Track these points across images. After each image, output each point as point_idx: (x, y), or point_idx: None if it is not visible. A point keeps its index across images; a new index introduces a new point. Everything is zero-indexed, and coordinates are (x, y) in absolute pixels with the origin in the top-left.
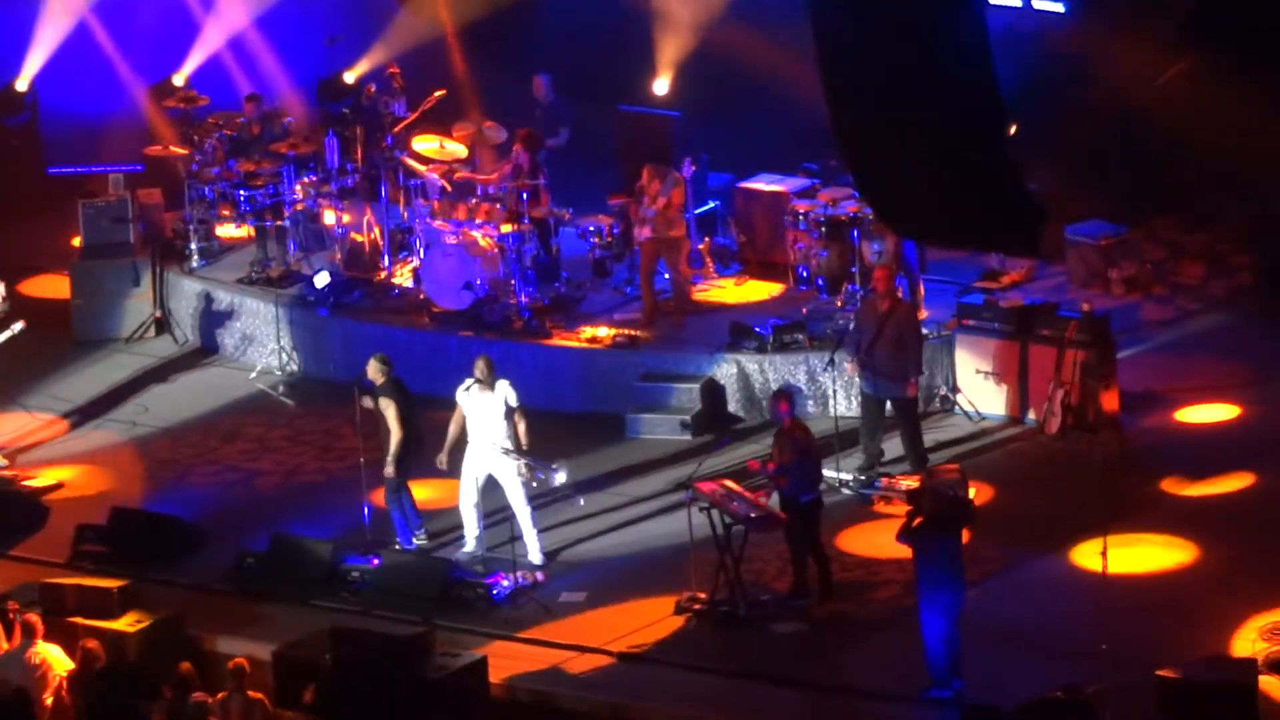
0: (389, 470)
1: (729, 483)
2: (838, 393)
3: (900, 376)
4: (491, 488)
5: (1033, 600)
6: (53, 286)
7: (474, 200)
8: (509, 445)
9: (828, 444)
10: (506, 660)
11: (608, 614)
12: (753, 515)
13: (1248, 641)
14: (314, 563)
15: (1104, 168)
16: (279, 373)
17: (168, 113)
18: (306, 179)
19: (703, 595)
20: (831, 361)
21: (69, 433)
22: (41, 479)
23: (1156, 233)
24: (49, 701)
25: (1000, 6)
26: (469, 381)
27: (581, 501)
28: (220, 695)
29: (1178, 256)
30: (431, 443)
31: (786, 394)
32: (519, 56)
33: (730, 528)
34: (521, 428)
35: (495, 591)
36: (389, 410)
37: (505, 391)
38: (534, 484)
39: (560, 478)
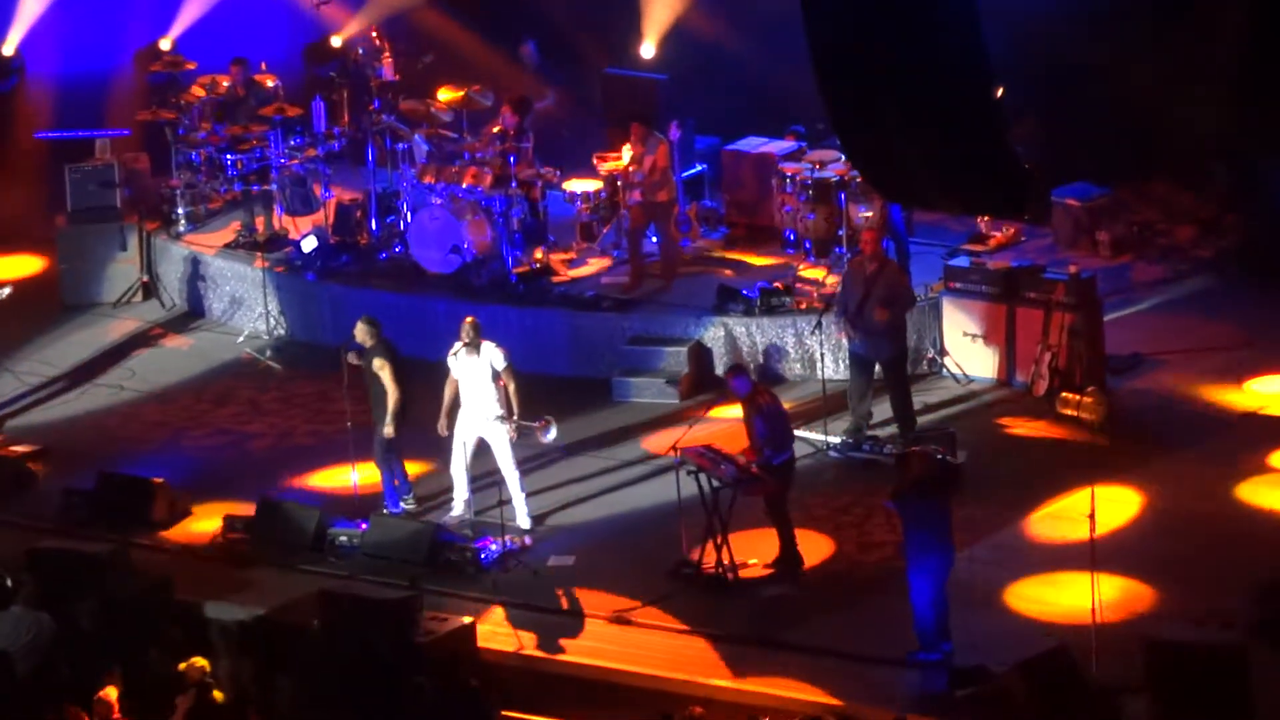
0: (389, 430)
1: (717, 445)
2: (825, 355)
3: (890, 337)
4: (480, 451)
5: (1019, 563)
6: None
7: (460, 164)
8: (499, 410)
9: (816, 407)
10: (494, 624)
11: (596, 578)
12: (740, 479)
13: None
14: (302, 527)
15: (1091, 129)
16: (266, 337)
17: (154, 77)
18: (293, 144)
19: (692, 559)
20: (819, 324)
21: (57, 397)
22: (29, 443)
23: (1145, 194)
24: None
25: None
26: (457, 345)
27: (562, 446)
28: (206, 661)
29: (1166, 218)
30: (417, 407)
31: (732, 369)
32: (505, 20)
33: (718, 491)
34: (511, 389)
35: (483, 555)
36: (384, 371)
37: (492, 354)
38: (517, 439)
39: (550, 435)
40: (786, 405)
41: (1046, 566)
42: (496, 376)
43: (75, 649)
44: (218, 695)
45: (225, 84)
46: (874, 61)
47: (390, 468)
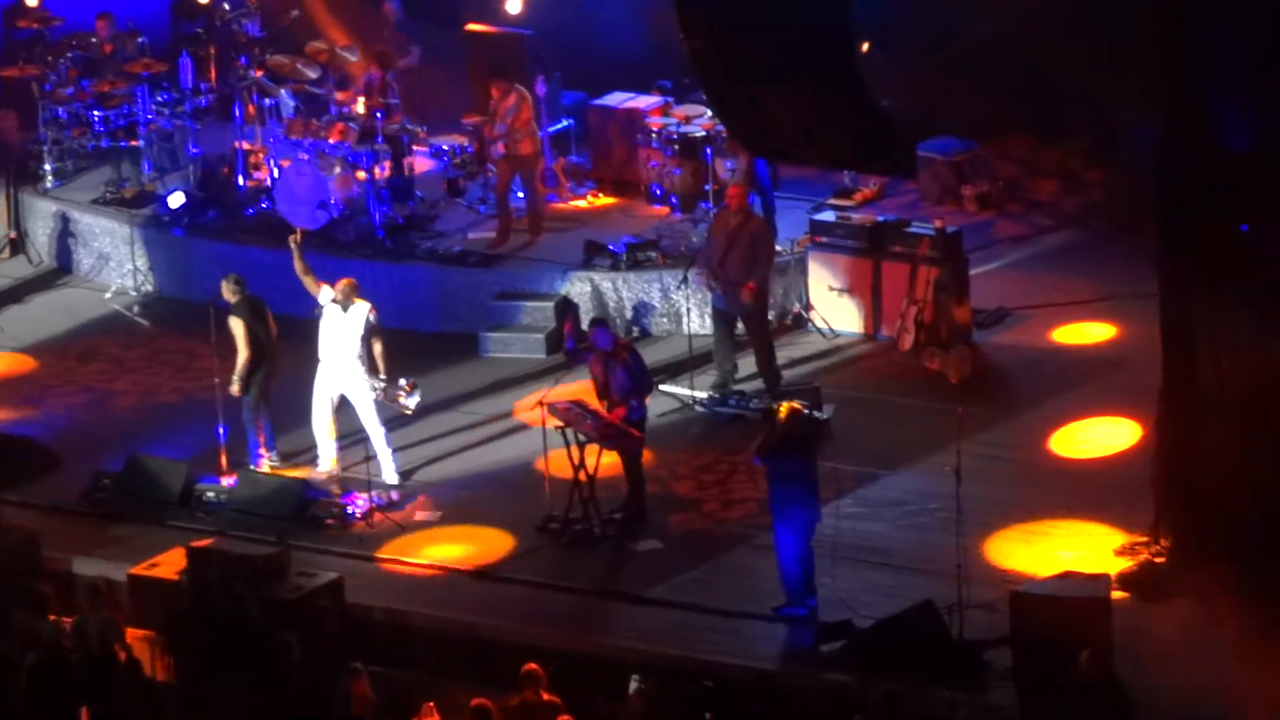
0: (234, 388)
1: (583, 400)
2: (691, 310)
3: (749, 292)
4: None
5: (886, 518)
6: None
7: (327, 119)
8: (364, 368)
9: (681, 362)
10: (361, 580)
11: (462, 533)
12: (605, 433)
13: (1104, 558)
14: (169, 483)
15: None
16: (134, 293)
17: (20, 33)
18: (161, 100)
19: (558, 514)
20: (685, 279)
21: None
22: None
23: (1009, 149)
24: None
25: None
26: (325, 298)
27: (410, 409)
28: (75, 616)
29: (1030, 173)
30: (287, 361)
31: (595, 321)
32: None
33: (584, 446)
34: (379, 350)
35: (350, 511)
36: (237, 329)
37: (363, 313)
38: (383, 400)
39: (414, 400)
40: (652, 360)
41: (912, 521)
42: (366, 336)
43: None
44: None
45: (92, 40)
46: (739, 16)
47: (257, 426)
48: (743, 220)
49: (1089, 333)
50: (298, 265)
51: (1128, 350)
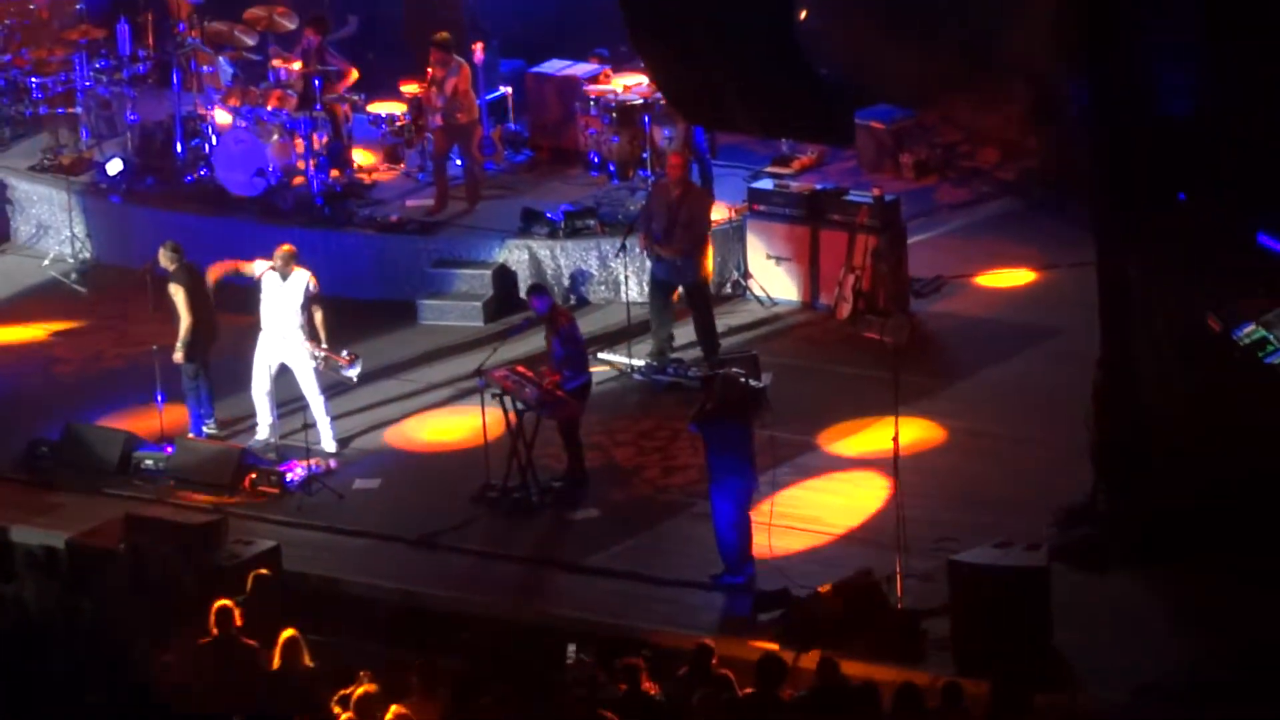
0: (177, 356)
1: (521, 369)
2: (629, 279)
3: (691, 262)
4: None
5: (824, 487)
6: None
7: (265, 86)
8: (304, 336)
9: (620, 330)
10: (299, 548)
11: (401, 501)
12: (543, 401)
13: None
14: (107, 451)
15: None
16: (72, 260)
17: None
18: (99, 67)
19: (496, 482)
20: (623, 247)
21: None
22: None
23: (950, 116)
24: None
25: None
26: (263, 266)
27: (353, 379)
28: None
29: (970, 140)
30: (226, 328)
31: (534, 288)
32: None
33: (522, 414)
34: (319, 318)
35: (288, 479)
36: (178, 296)
37: (302, 282)
38: (323, 369)
39: (354, 370)
40: (590, 328)
41: (850, 490)
42: (305, 304)
43: None
44: None
45: (29, 6)
46: None
47: (197, 392)
48: (683, 191)
49: (1020, 278)
50: (228, 268)
51: (1063, 317)
